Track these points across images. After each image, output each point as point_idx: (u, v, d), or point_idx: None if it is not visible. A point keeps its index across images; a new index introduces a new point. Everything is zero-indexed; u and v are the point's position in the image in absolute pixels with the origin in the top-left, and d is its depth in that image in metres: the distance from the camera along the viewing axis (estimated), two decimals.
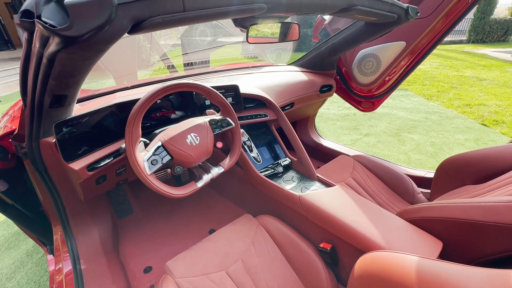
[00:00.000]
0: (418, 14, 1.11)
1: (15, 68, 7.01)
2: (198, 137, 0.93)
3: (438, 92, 5.30)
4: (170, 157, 0.88)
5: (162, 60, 2.85)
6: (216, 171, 1.00)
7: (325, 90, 1.81)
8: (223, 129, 1.01)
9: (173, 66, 2.71)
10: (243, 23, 0.88)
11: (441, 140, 3.22)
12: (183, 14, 0.50)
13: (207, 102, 1.27)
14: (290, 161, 1.37)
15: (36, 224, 1.22)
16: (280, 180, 1.27)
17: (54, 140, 0.86)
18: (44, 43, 0.48)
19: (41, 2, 0.42)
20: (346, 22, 1.88)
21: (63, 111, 0.83)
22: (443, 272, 0.44)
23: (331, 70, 1.82)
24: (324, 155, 2.18)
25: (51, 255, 1.27)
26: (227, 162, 1.04)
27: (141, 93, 1.22)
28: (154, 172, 0.85)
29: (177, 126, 0.93)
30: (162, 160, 0.87)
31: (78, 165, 0.90)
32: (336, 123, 3.82)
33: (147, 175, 0.83)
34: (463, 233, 0.80)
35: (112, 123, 1.01)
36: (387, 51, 1.73)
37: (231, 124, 1.03)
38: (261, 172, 1.28)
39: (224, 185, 1.68)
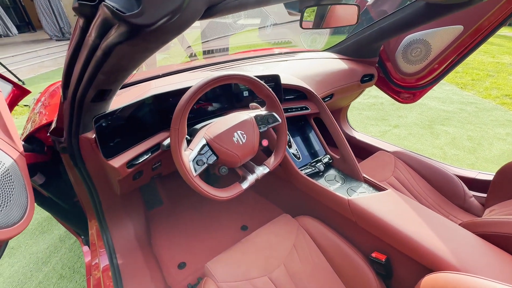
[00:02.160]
0: None
1: (37, 51, 7.11)
2: (244, 135, 0.84)
3: (472, 81, 4.92)
4: (215, 157, 0.81)
5: (182, 45, 2.74)
6: (260, 171, 0.92)
7: (366, 80, 1.66)
8: (270, 126, 0.92)
9: (194, 55, 2.60)
10: (300, 6, 0.76)
11: (479, 134, 2.99)
12: None
13: (245, 93, 1.17)
14: (331, 158, 1.27)
15: (71, 215, 1.21)
16: (321, 179, 1.18)
17: (94, 135, 0.80)
18: (103, 33, 0.40)
19: None
20: (393, 4, 1.68)
21: (103, 104, 0.77)
22: None
23: (373, 58, 1.66)
24: (357, 149, 2.05)
25: (86, 246, 1.27)
26: (272, 161, 0.96)
27: (177, 83, 1.15)
28: (199, 174, 0.78)
29: (221, 121, 0.85)
30: (207, 160, 0.80)
31: (117, 162, 0.85)
32: (362, 112, 3.63)
33: (193, 177, 0.76)
34: None
35: (149, 115, 0.94)
36: (439, 36, 1.55)
37: (278, 120, 0.94)
38: (301, 170, 1.19)
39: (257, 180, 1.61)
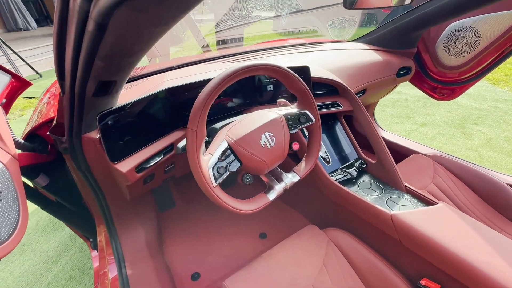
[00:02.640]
0: None
1: None
2: (273, 137, 0.71)
3: (506, 76, 4.54)
4: (239, 164, 0.68)
5: (195, 37, 2.59)
6: (289, 179, 0.79)
7: (403, 74, 1.47)
8: (302, 126, 0.78)
9: (207, 45, 2.45)
10: None
11: None
12: None
13: (269, 88, 1.03)
14: (365, 163, 1.12)
15: (79, 219, 1.13)
16: (355, 187, 1.03)
17: (99, 136, 0.69)
18: None
19: None
20: None
21: (109, 99, 0.65)
22: None
23: (411, 49, 1.47)
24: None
25: (95, 251, 1.19)
26: (303, 168, 0.81)
27: (194, 75, 1.02)
28: (220, 183, 0.66)
29: (246, 121, 0.72)
30: (229, 166, 0.67)
31: (126, 166, 0.73)
32: (385, 109, 3.40)
33: (212, 188, 0.63)
34: None
35: (163, 112, 0.82)
36: (491, 23, 1.34)
37: (311, 120, 0.79)
38: (331, 175, 1.05)
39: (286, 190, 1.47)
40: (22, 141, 0.79)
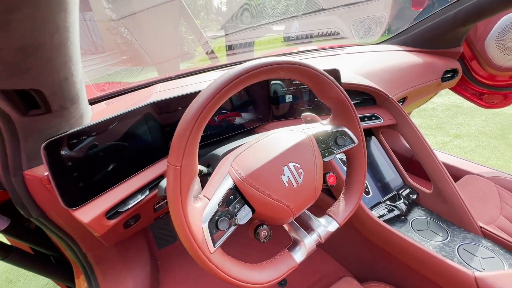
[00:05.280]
0: None
1: None
2: (301, 170, 0.47)
3: None
4: (250, 211, 0.45)
5: (203, 48, 2.42)
6: (323, 228, 0.54)
7: (448, 78, 1.22)
8: (340, 150, 0.54)
9: (212, 52, 2.23)
10: None
11: None
12: None
13: (288, 98, 0.81)
14: (415, 192, 0.85)
15: (53, 267, 0.92)
16: (406, 226, 0.76)
17: (47, 173, 0.48)
18: None
19: None
20: None
21: (58, 120, 0.45)
22: None
23: (457, 47, 1.21)
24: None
25: None
26: (342, 209, 0.56)
27: (193, 84, 0.82)
28: (221, 245, 0.42)
29: (259, 145, 0.49)
30: (235, 215, 0.44)
31: (89, 213, 0.52)
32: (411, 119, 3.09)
33: (208, 256, 0.40)
34: None
35: (147, 134, 0.61)
36: None
37: (353, 141, 0.55)
38: (372, 210, 0.79)
39: (320, 244, 1.20)
40: None
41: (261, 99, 0.77)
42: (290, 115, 0.82)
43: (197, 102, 0.38)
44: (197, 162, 0.42)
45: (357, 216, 0.78)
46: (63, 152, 0.48)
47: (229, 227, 0.43)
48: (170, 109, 0.62)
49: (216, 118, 0.72)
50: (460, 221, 0.74)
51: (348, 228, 0.85)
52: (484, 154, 2.32)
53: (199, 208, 0.42)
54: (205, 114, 0.38)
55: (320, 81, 0.50)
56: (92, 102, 0.78)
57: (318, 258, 1.08)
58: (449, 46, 1.21)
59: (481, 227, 0.72)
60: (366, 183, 0.84)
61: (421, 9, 1.50)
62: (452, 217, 0.76)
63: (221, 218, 0.42)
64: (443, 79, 1.18)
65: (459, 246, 0.68)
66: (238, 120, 0.76)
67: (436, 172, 0.79)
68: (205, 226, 0.41)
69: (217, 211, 0.42)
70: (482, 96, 1.49)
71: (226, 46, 2.19)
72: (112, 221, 0.55)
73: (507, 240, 0.67)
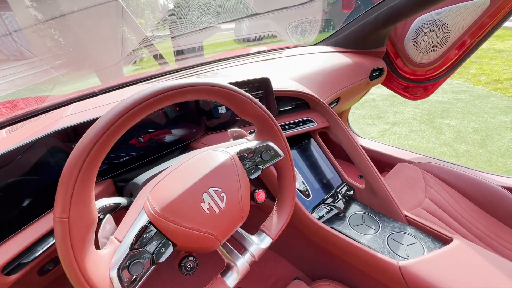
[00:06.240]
0: None
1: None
2: (223, 194, 0.45)
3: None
4: (170, 245, 0.41)
5: (147, 48, 2.26)
6: (255, 246, 0.53)
7: (376, 76, 1.32)
8: (266, 165, 0.54)
9: (161, 56, 2.11)
10: None
11: (484, 125, 2.76)
12: None
13: (221, 110, 0.79)
14: (351, 188, 0.91)
15: None
16: (344, 223, 0.80)
17: None
18: None
19: None
20: None
21: None
22: None
23: (381, 48, 1.32)
24: None
25: None
26: (274, 223, 0.56)
27: (111, 103, 0.74)
28: None
29: (175, 173, 0.45)
30: (154, 256, 0.40)
31: None
32: (355, 111, 3.34)
33: None
34: None
35: (50, 170, 0.54)
36: (459, 14, 1.24)
37: (279, 155, 0.55)
38: (312, 212, 0.82)
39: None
40: None
41: (190, 113, 0.74)
42: (225, 126, 0.80)
43: (85, 140, 0.34)
44: (94, 208, 0.37)
45: (299, 219, 0.80)
46: None
47: (144, 270, 0.39)
48: (78, 138, 0.55)
49: (141, 138, 0.67)
50: (388, 212, 0.81)
51: (295, 230, 0.87)
52: (416, 138, 2.61)
53: (106, 255, 0.37)
54: (95, 153, 0.34)
55: (237, 100, 0.48)
56: None
57: (272, 261, 1.09)
58: (374, 46, 1.31)
59: (405, 216, 0.79)
60: (305, 185, 0.87)
61: (350, 11, 1.61)
62: (382, 209, 0.82)
63: (133, 262, 0.38)
64: (371, 78, 1.28)
65: (388, 236, 0.74)
66: (168, 138, 0.72)
67: (366, 168, 0.84)
68: (113, 274, 0.36)
69: (128, 254, 0.38)
70: (407, 89, 1.65)
71: (174, 51, 2.07)
72: (13, 276, 0.47)
73: (426, 226, 0.74)
